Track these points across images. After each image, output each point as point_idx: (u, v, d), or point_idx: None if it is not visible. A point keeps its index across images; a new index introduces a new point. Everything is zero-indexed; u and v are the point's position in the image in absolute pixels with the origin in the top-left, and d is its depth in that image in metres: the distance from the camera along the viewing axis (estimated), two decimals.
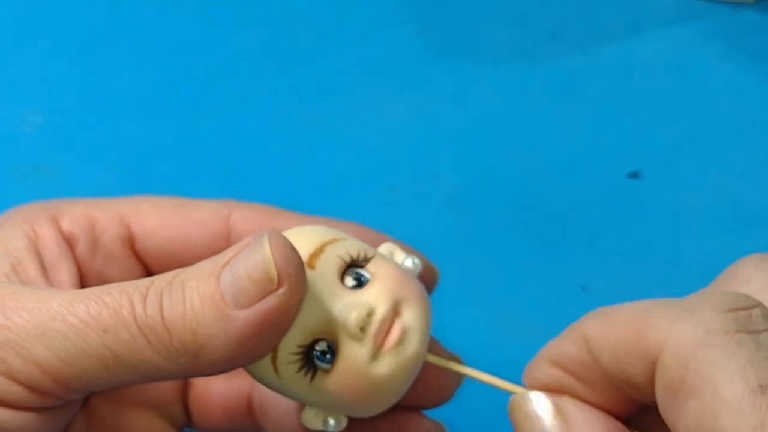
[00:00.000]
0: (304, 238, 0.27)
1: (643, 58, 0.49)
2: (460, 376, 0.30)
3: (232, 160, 0.46)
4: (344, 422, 0.28)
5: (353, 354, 0.27)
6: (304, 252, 0.27)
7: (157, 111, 0.48)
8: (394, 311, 0.27)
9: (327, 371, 0.27)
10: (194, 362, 0.25)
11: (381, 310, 0.27)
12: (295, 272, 0.25)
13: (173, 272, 0.25)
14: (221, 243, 0.29)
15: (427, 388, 0.30)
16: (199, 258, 0.26)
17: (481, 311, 0.41)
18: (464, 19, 0.51)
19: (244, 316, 0.24)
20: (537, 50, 0.50)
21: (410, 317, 0.27)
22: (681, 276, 0.41)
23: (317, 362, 0.27)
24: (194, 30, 0.52)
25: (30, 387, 0.25)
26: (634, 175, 0.44)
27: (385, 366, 0.27)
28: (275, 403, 0.31)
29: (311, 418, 0.28)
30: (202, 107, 0.48)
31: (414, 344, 0.27)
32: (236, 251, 0.25)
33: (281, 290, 0.24)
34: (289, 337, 0.26)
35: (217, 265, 0.25)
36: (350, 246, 0.28)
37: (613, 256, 0.42)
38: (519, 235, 0.43)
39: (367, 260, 0.28)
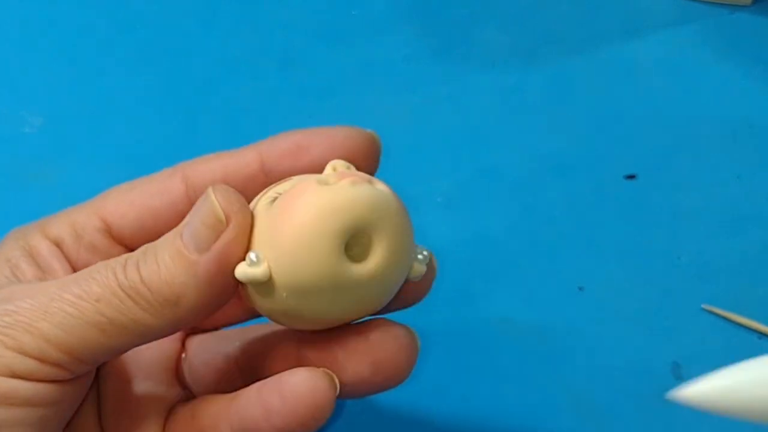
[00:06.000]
0: None
1: (640, 60, 0.49)
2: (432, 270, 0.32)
3: None
4: (264, 263, 0.27)
5: (309, 178, 0.28)
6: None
7: (157, 112, 0.48)
8: (369, 179, 0.28)
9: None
10: (175, 311, 0.28)
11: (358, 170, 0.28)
12: (239, 209, 0.28)
13: (144, 245, 0.29)
14: (183, 203, 0.31)
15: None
16: (170, 224, 0.30)
17: (478, 312, 0.41)
18: (462, 22, 0.51)
19: (206, 258, 0.27)
20: (534, 52, 0.50)
21: (381, 187, 0.28)
22: (677, 277, 0.41)
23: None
24: (194, 31, 0.52)
25: (40, 359, 0.27)
26: (631, 177, 0.45)
27: (331, 188, 0.27)
28: (264, 357, 0.33)
29: (241, 264, 0.28)
30: (202, 108, 0.48)
31: (369, 189, 0.27)
32: (191, 214, 0.28)
33: (230, 226, 0.28)
34: (278, 188, 0.29)
35: (178, 229, 0.28)
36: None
37: (609, 257, 0.42)
38: (516, 236, 0.43)
39: None
